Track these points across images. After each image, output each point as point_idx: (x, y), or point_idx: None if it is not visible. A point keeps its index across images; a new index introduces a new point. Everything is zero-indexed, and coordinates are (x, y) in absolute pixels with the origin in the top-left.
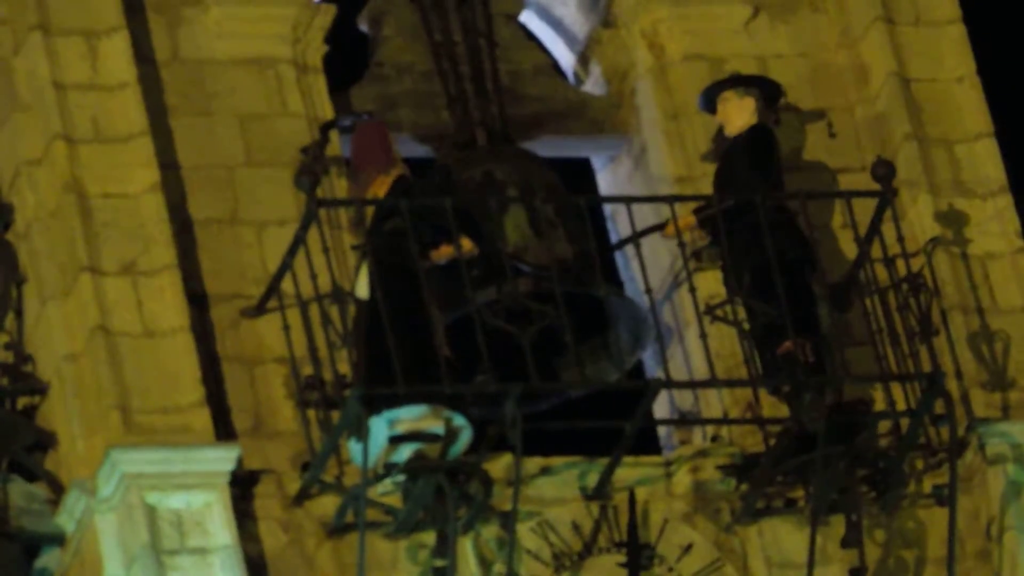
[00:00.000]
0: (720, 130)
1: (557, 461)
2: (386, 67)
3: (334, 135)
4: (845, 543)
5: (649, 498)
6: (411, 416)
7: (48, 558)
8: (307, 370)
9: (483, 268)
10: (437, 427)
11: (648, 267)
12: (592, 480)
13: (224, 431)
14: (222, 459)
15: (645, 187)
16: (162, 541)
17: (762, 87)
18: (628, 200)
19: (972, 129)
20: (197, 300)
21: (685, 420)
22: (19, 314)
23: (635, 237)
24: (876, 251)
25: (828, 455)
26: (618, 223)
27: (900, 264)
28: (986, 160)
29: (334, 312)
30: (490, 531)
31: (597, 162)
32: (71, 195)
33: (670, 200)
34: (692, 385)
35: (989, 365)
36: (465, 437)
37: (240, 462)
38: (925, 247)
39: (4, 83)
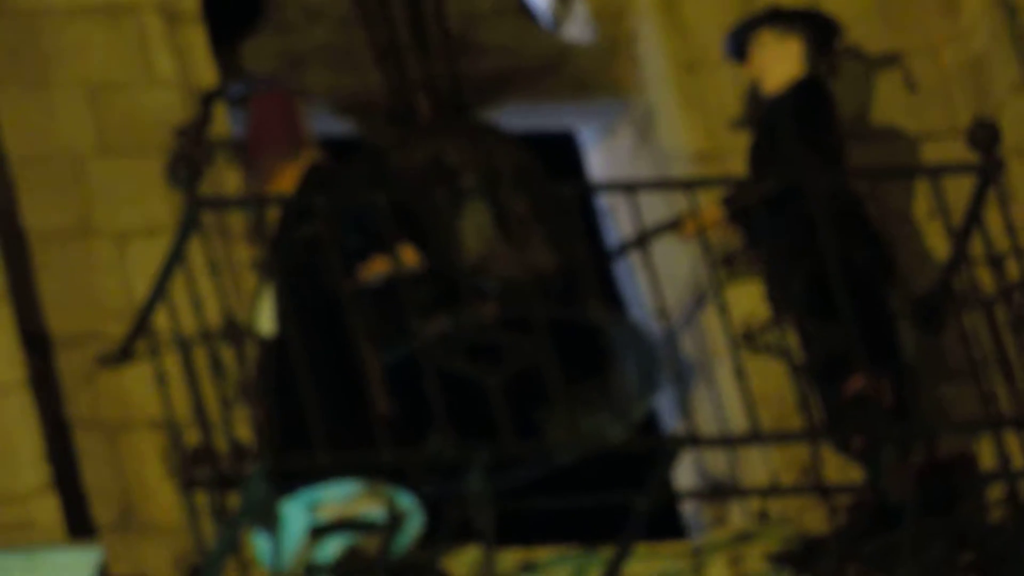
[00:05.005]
0: (755, 86)
1: (543, 554)
2: (290, 12)
3: (220, 109)
4: None
5: None
6: (339, 496)
7: None
8: (192, 437)
9: (433, 289)
10: (375, 511)
11: (662, 280)
12: None
13: (79, 525)
14: (77, 564)
15: (654, 168)
16: None
17: (811, 25)
18: (631, 187)
19: None
20: (37, 344)
21: (719, 492)
22: None
23: (642, 239)
24: (976, 248)
25: (920, 534)
26: (618, 219)
27: (1011, 266)
28: None
29: (228, 356)
30: None
31: (586, 135)
32: None
33: (689, 186)
34: (727, 443)
35: None
36: (414, 524)
37: (103, 568)
38: None
39: None
